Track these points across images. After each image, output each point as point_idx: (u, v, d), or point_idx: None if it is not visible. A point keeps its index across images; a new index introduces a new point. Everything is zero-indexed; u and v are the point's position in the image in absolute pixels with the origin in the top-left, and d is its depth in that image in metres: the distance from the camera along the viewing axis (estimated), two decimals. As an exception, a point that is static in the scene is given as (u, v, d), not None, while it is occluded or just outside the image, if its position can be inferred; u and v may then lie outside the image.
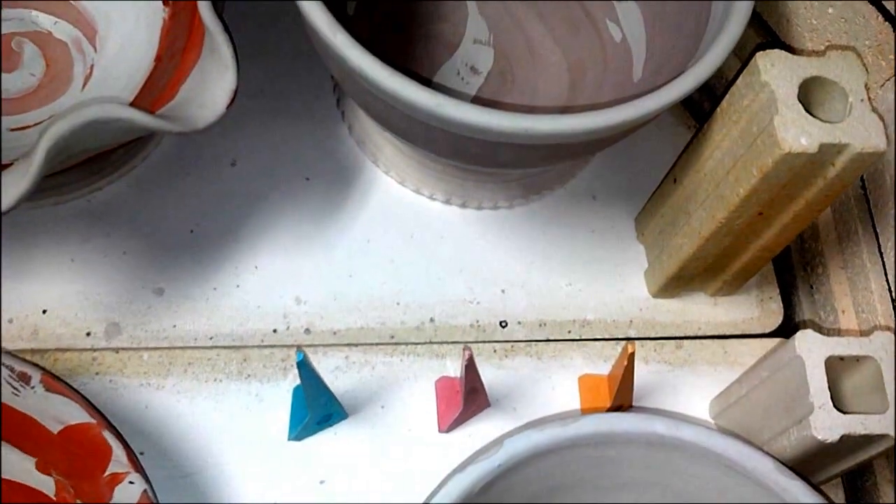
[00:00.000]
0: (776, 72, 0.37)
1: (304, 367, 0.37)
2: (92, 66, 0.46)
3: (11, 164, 0.36)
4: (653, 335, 0.47)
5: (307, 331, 0.45)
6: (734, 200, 0.40)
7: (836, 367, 0.39)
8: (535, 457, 0.35)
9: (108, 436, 0.36)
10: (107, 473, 0.36)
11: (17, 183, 0.35)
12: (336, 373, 0.44)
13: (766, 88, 0.37)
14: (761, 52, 0.38)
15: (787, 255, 0.51)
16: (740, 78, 0.40)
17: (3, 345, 0.43)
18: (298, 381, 0.43)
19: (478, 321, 0.47)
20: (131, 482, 0.35)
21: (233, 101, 0.38)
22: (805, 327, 0.50)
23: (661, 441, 0.35)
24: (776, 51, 0.38)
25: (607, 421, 0.35)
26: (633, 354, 0.38)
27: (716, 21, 0.41)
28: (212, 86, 0.39)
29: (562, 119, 0.36)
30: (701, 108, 0.55)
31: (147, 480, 0.36)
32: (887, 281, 0.45)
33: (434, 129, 0.38)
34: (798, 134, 0.36)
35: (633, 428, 0.35)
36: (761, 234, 0.43)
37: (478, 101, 0.50)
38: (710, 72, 0.38)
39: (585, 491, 0.37)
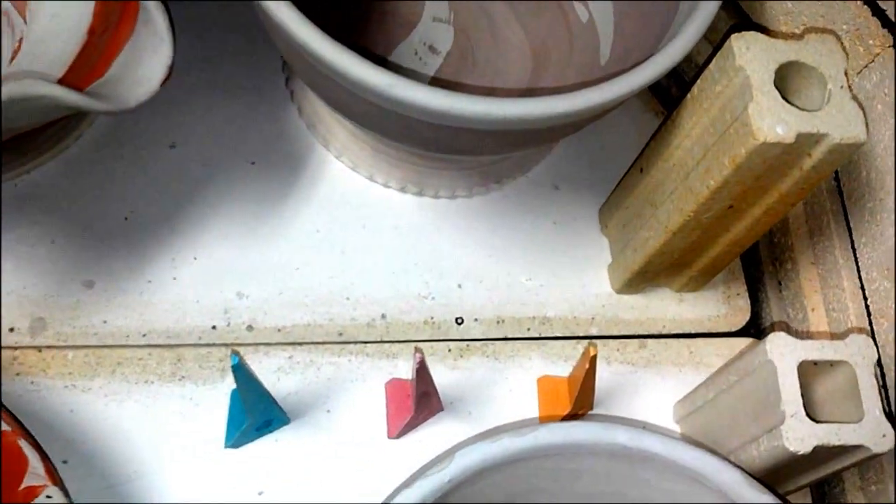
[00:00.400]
0: (751, 55, 0.35)
1: (240, 370, 0.34)
2: (21, 39, 0.43)
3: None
4: (615, 333, 0.45)
5: (249, 327, 0.42)
6: (704, 193, 0.38)
7: (808, 372, 0.37)
8: (487, 470, 0.32)
9: (24, 445, 0.33)
10: (22, 486, 0.33)
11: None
12: (278, 374, 0.41)
13: (740, 73, 0.35)
14: (736, 35, 0.36)
15: (754, 250, 0.49)
16: (713, 62, 0.37)
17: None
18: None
19: (432, 318, 0.44)
20: (48, 496, 0.32)
21: (168, 76, 0.35)
22: (773, 326, 0.48)
23: (624, 452, 0.33)
24: (752, 33, 0.36)
25: (566, 431, 0.33)
26: (595, 357, 0.36)
27: (686, 3, 0.39)
28: (146, 61, 0.36)
29: (525, 103, 0.34)
30: (669, 93, 0.52)
31: (66, 494, 0.33)
32: (860, 279, 0.43)
33: (387, 112, 0.35)
34: (774, 123, 0.34)
35: (593, 438, 0.32)
36: (731, 228, 0.41)
37: (436, 82, 0.47)
38: (681, 55, 0.36)
39: (542, 503, 0.34)
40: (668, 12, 0.40)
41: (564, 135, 0.41)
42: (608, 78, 0.35)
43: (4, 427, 0.33)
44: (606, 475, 0.34)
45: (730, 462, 0.35)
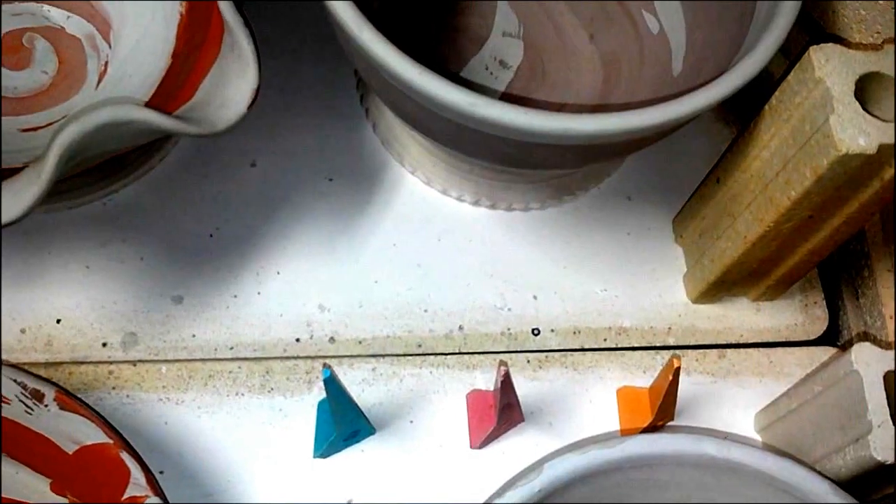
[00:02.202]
0: (831, 67, 0.35)
1: (332, 383, 0.35)
2: (106, 64, 0.44)
3: (23, 169, 0.34)
4: (693, 343, 0.45)
5: (332, 339, 0.43)
6: (784, 203, 0.38)
7: (892, 382, 0.37)
8: (576, 481, 0.33)
9: (126, 457, 0.34)
10: (125, 497, 0.34)
11: (29, 189, 0.33)
12: (363, 385, 0.42)
13: (820, 85, 0.35)
14: (815, 47, 0.36)
15: (830, 258, 0.49)
16: (791, 73, 0.37)
17: (16, 357, 0.41)
18: (323, 395, 0.41)
19: (509, 329, 0.45)
20: (150, 506, 0.33)
21: (255, 99, 0.36)
22: (850, 334, 0.48)
23: (712, 463, 0.33)
24: (830, 45, 0.36)
25: (654, 442, 0.33)
26: (678, 369, 0.36)
27: (762, 12, 0.39)
28: (232, 84, 0.37)
29: (602, 118, 0.34)
30: (741, 103, 0.52)
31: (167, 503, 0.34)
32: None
33: (465, 130, 0.36)
34: (856, 134, 0.34)
35: (682, 449, 0.33)
36: (809, 238, 0.41)
37: (507, 97, 0.48)
38: (760, 65, 0.36)
39: (630, 515, 0.35)
40: (743, 22, 0.40)
41: (640, 147, 0.41)
42: (681, 90, 0.35)
43: (106, 439, 0.35)
44: (693, 486, 0.34)
45: (817, 472, 0.35)
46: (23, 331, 0.42)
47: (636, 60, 0.47)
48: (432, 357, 0.43)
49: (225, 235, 0.45)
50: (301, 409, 0.41)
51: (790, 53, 0.43)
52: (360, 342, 0.44)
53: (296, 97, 0.49)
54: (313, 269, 0.45)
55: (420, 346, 0.44)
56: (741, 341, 0.46)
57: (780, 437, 0.40)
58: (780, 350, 0.45)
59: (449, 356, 0.43)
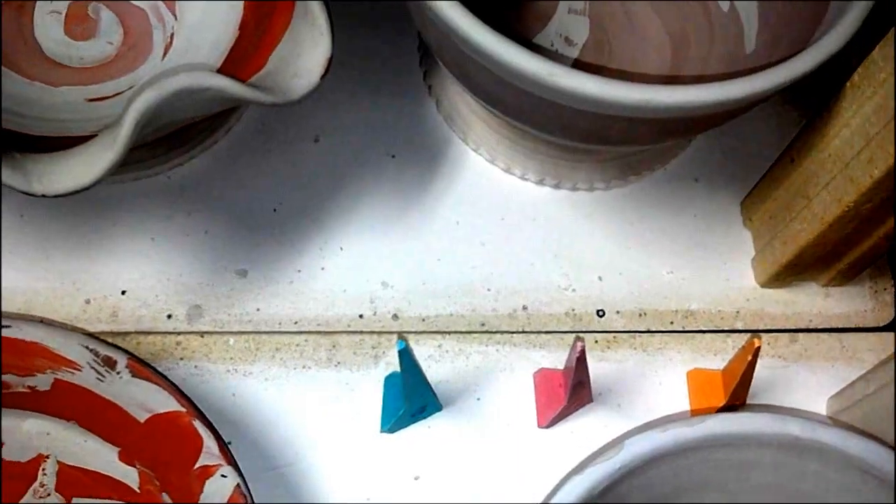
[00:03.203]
0: (920, 42, 0.34)
1: (406, 355, 0.34)
2: (172, 35, 0.44)
3: (93, 137, 0.34)
4: (761, 327, 0.44)
5: (395, 316, 0.43)
6: (866, 182, 0.37)
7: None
8: (657, 459, 0.32)
9: (199, 425, 0.34)
10: (197, 466, 0.34)
11: (104, 154, 0.33)
12: (429, 361, 0.41)
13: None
14: (902, 20, 0.35)
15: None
16: (876, 49, 0.36)
17: (84, 326, 0.40)
18: (389, 370, 0.41)
19: (573, 310, 0.44)
20: (223, 475, 0.33)
21: (328, 69, 0.36)
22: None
23: (795, 443, 0.32)
24: (920, 19, 0.35)
25: (736, 421, 0.32)
26: (758, 349, 0.35)
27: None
28: (305, 53, 0.37)
29: (683, 90, 0.34)
30: (810, 85, 0.51)
31: (240, 474, 0.34)
32: None
33: (541, 101, 0.35)
34: (946, 110, 0.33)
35: (765, 429, 0.32)
36: (886, 220, 0.40)
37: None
38: (842, 42, 0.35)
39: (710, 495, 0.34)
40: (820, 1, 0.39)
41: (712, 125, 0.40)
42: (754, 68, 0.34)
43: (179, 407, 0.34)
44: (775, 467, 0.33)
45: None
46: (87, 301, 0.42)
47: (706, 38, 0.46)
48: (498, 335, 0.42)
49: (288, 210, 0.44)
50: (367, 384, 0.40)
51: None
52: (423, 319, 0.43)
53: (359, 73, 0.48)
54: (376, 245, 0.44)
55: (483, 324, 0.43)
56: (810, 326, 0.45)
57: (856, 421, 0.39)
58: (851, 335, 0.44)
59: (515, 334, 0.42)
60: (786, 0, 0.42)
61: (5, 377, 0.35)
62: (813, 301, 0.45)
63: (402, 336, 0.33)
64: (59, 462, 0.37)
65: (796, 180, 0.42)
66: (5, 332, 0.35)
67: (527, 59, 0.33)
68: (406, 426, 0.40)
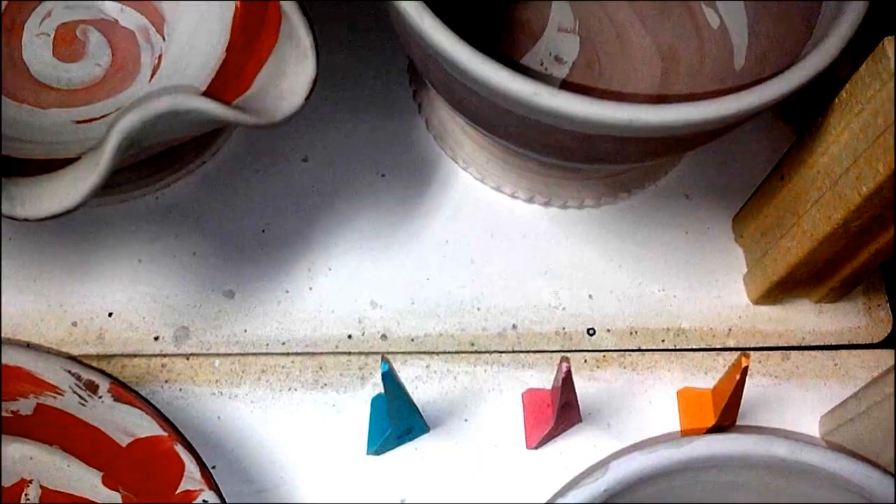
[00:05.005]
0: (907, 58, 0.34)
1: (389, 378, 0.34)
2: (160, 56, 0.44)
3: (78, 159, 0.33)
4: (753, 345, 0.44)
5: (384, 336, 0.43)
6: (855, 199, 0.37)
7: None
8: (643, 481, 0.32)
9: (181, 450, 0.34)
10: (179, 490, 0.33)
11: (86, 177, 0.33)
12: (416, 382, 0.41)
13: (894, 78, 0.34)
14: (889, 38, 0.35)
15: (893, 260, 0.48)
16: (864, 65, 0.36)
17: (68, 350, 0.40)
18: (376, 391, 0.40)
19: (564, 328, 0.44)
20: (205, 500, 0.33)
21: (312, 90, 0.36)
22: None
23: (782, 465, 0.32)
24: (906, 36, 0.34)
25: (723, 442, 0.32)
26: (746, 368, 0.35)
27: (830, 6, 0.38)
28: (290, 75, 0.36)
29: (669, 109, 0.33)
30: (801, 102, 0.51)
31: (222, 499, 0.33)
32: None
33: (527, 121, 0.35)
34: (933, 127, 0.33)
35: (752, 451, 0.32)
36: (877, 237, 0.40)
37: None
38: (831, 58, 0.35)
39: (697, 518, 0.34)
40: (809, 16, 0.39)
41: (701, 143, 0.40)
42: (745, 85, 0.34)
43: (161, 432, 0.34)
44: (762, 489, 0.33)
45: (892, 475, 0.33)
46: (74, 324, 0.42)
47: (696, 55, 0.46)
48: (486, 355, 0.42)
49: (276, 231, 0.44)
50: (354, 406, 0.40)
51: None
52: (412, 339, 0.43)
53: (348, 92, 0.48)
54: (365, 265, 0.44)
55: (473, 344, 0.43)
56: (803, 344, 0.44)
57: (849, 440, 0.39)
58: (844, 353, 0.44)
59: (504, 354, 0.42)
60: (776, 17, 0.42)
61: (-13, 402, 0.35)
62: (806, 318, 0.45)
63: (385, 358, 0.33)
64: (41, 487, 0.36)
65: (786, 197, 0.42)
66: (-14, 357, 0.35)
67: (511, 79, 0.33)
68: (393, 448, 0.39)
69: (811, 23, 0.39)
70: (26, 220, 0.32)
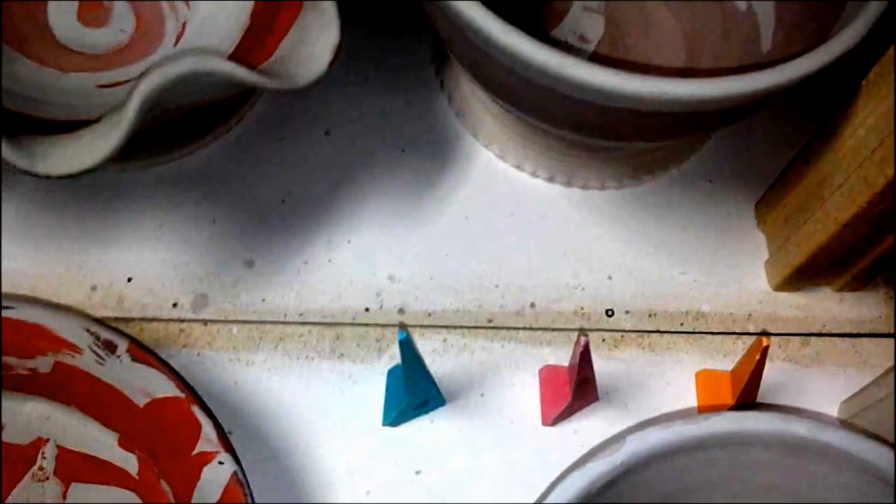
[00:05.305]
0: (936, 40, 0.34)
1: (407, 346, 0.34)
2: (184, 23, 0.44)
3: (99, 120, 0.33)
4: (773, 331, 0.44)
5: (401, 310, 0.43)
6: (880, 182, 0.36)
7: None
8: (659, 456, 0.31)
9: (198, 411, 0.34)
10: (195, 452, 0.33)
11: (107, 137, 0.32)
12: (433, 356, 0.41)
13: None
14: (920, 19, 0.34)
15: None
16: (891, 48, 0.36)
17: (89, 312, 0.40)
18: (393, 363, 0.40)
19: (582, 308, 0.44)
20: (221, 462, 0.33)
21: (335, 58, 0.36)
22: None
23: (802, 443, 0.32)
24: (937, 17, 0.34)
25: (740, 420, 0.31)
26: (766, 349, 0.34)
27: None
28: (313, 41, 0.36)
29: (699, 83, 0.33)
30: (826, 84, 0.50)
31: (237, 461, 0.33)
32: None
33: (552, 94, 0.35)
34: (961, 109, 0.32)
35: (769, 428, 0.31)
36: (901, 223, 0.39)
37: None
38: (859, 36, 0.35)
39: (713, 495, 0.33)
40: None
41: (728, 123, 0.40)
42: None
43: (178, 393, 0.34)
44: (779, 468, 0.32)
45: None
46: (94, 288, 0.42)
47: (721, 37, 0.46)
48: (504, 331, 0.42)
49: (297, 202, 0.44)
50: (370, 377, 0.40)
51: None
52: (429, 314, 0.43)
53: (371, 67, 0.48)
54: (384, 239, 0.44)
55: (490, 321, 0.43)
56: (824, 331, 0.44)
57: (868, 426, 0.38)
58: (865, 340, 0.43)
59: (521, 331, 0.42)
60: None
61: (6, 359, 0.35)
62: (826, 306, 0.45)
63: (403, 326, 0.33)
64: (58, 446, 0.36)
65: (811, 181, 0.41)
66: (7, 314, 0.35)
67: (538, 50, 0.33)
68: (408, 420, 0.39)
69: (838, 7, 0.38)
70: (47, 176, 0.32)
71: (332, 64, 0.36)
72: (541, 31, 0.48)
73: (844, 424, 0.37)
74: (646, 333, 0.42)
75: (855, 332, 0.44)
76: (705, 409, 0.38)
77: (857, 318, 0.45)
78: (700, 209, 0.46)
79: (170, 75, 0.32)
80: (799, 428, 0.31)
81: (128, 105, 0.32)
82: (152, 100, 0.32)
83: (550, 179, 0.46)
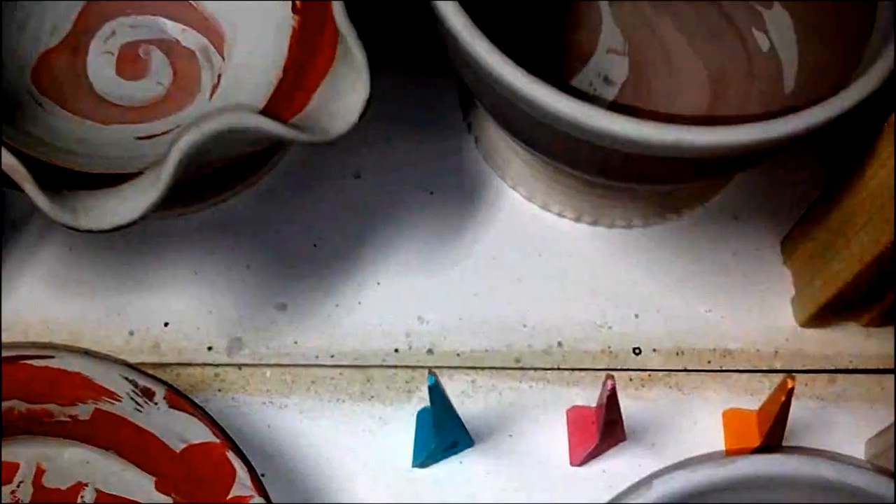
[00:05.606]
0: (959, 82, 0.34)
1: (436, 390, 0.34)
2: (220, 75, 0.45)
3: (140, 174, 0.35)
4: (800, 367, 0.44)
5: (430, 351, 0.43)
6: (903, 222, 0.36)
7: None
8: (686, 500, 0.32)
9: (233, 457, 0.35)
10: (230, 496, 0.34)
11: (148, 192, 0.34)
12: (462, 397, 0.42)
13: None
14: (941, 62, 0.35)
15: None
16: (915, 89, 0.36)
17: (124, 359, 0.42)
18: (422, 405, 0.41)
19: (610, 347, 0.44)
20: (255, 506, 0.34)
21: (366, 110, 0.37)
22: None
23: (829, 487, 0.32)
24: (958, 59, 0.34)
25: (768, 462, 0.32)
26: (792, 390, 0.35)
27: (882, 24, 0.38)
28: (344, 94, 0.37)
29: (718, 131, 0.34)
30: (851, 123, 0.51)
31: (270, 505, 0.34)
32: None
33: (577, 142, 0.36)
34: (983, 150, 0.33)
35: (797, 471, 0.32)
36: (928, 261, 0.39)
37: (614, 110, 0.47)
38: (881, 80, 0.35)
39: (739, 539, 0.34)
40: (859, 39, 0.39)
41: (750, 165, 0.40)
42: (793, 108, 0.34)
43: (213, 438, 0.35)
44: (807, 511, 0.33)
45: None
46: (131, 333, 0.43)
47: (745, 78, 0.46)
48: (532, 372, 0.43)
49: (328, 245, 0.45)
50: (400, 418, 0.41)
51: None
52: (458, 355, 0.43)
53: (399, 111, 0.49)
54: (413, 280, 0.45)
55: (518, 360, 0.43)
56: (850, 367, 0.44)
57: (893, 465, 0.38)
58: (891, 377, 0.43)
59: (549, 371, 0.43)
60: (826, 41, 0.42)
61: (48, 406, 0.36)
62: (853, 341, 0.45)
63: (432, 371, 0.33)
64: (97, 490, 0.38)
65: (835, 220, 0.41)
66: (49, 363, 0.36)
67: (562, 100, 0.34)
68: (437, 461, 0.40)
69: (861, 48, 0.39)
70: (89, 231, 0.34)
71: (361, 116, 0.37)
72: (565, 71, 0.49)
73: (873, 467, 0.38)
74: (673, 372, 0.43)
75: (882, 367, 0.44)
76: (732, 452, 0.39)
77: (884, 353, 0.45)
78: (726, 246, 0.47)
79: (207, 132, 0.33)
80: (827, 471, 0.32)
81: (167, 161, 0.33)
82: (191, 155, 0.33)
83: (577, 219, 0.47)
